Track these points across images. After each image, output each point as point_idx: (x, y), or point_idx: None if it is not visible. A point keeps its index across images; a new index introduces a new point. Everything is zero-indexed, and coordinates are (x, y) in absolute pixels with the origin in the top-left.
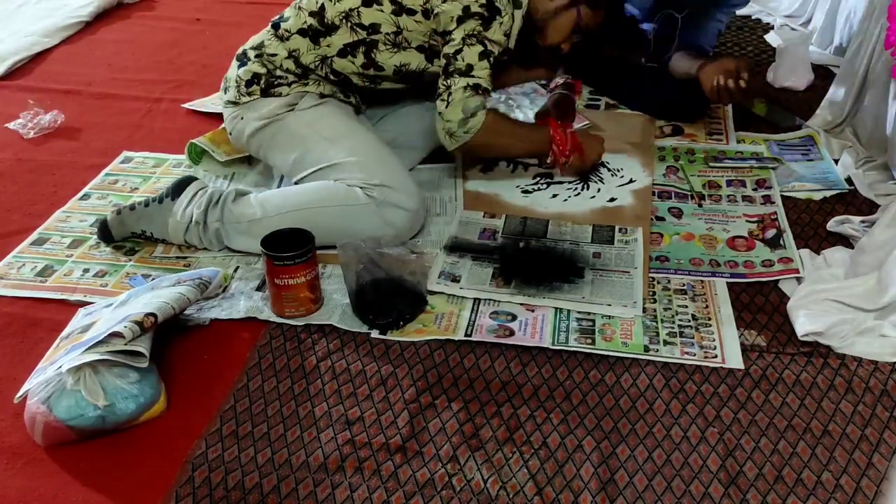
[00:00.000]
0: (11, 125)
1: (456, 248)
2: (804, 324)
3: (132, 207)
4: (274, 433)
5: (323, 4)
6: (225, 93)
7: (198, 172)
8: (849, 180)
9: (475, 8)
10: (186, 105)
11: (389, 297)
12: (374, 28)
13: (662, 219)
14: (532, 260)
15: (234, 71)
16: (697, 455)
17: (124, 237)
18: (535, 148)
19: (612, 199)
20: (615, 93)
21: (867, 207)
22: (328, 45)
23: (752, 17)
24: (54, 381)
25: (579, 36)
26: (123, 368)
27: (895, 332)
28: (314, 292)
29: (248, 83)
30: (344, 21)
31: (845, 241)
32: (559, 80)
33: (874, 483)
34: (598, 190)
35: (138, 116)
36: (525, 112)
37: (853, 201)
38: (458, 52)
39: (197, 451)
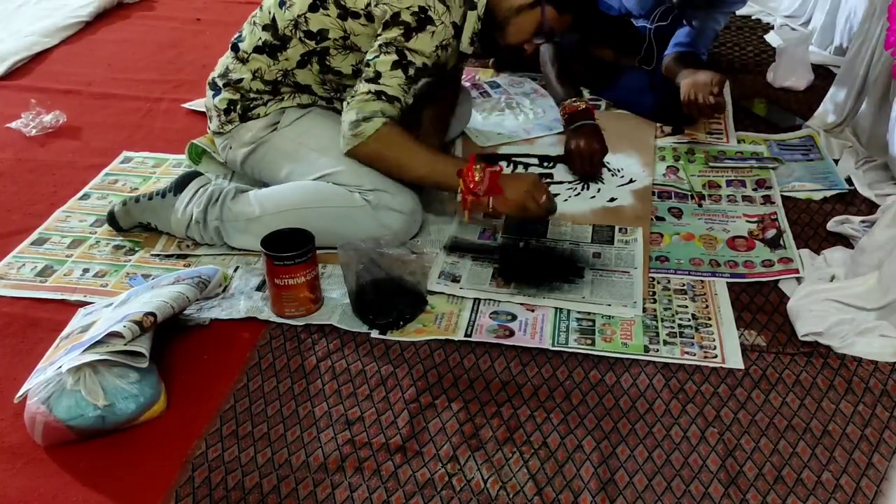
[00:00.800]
0: (13, 124)
1: (456, 248)
2: (804, 324)
3: (137, 200)
4: (274, 433)
5: (274, 16)
6: (210, 121)
7: None
8: (849, 180)
9: (405, 16)
10: (186, 105)
11: (389, 297)
12: (322, 35)
13: (662, 219)
14: (532, 260)
15: (210, 100)
16: (697, 455)
17: (132, 226)
18: (438, 178)
19: (612, 199)
20: (609, 94)
21: (867, 207)
22: (286, 59)
23: (752, 17)
24: (54, 381)
25: (543, 38)
26: (123, 368)
27: (895, 332)
28: (314, 292)
29: (226, 111)
30: (294, 31)
31: (845, 241)
32: (578, 105)
33: (874, 483)
34: (598, 190)
35: (138, 116)
36: (526, 113)
37: (853, 201)
38: (374, 58)
39: (197, 451)
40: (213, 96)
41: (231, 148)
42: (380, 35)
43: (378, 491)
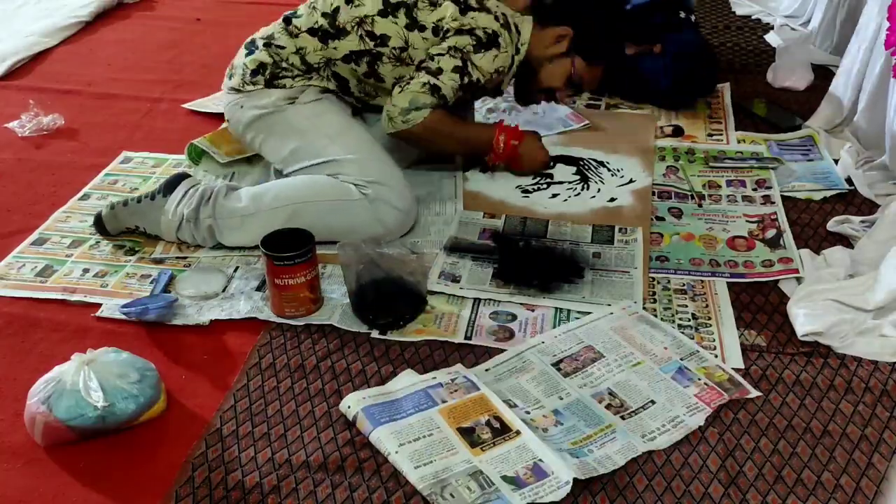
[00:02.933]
0: (12, 125)
1: (456, 248)
2: (804, 324)
3: (125, 203)
4: (274, 433)
5: (338, 7)
6: (229, 79)
7: (198, 173)
8: (849, 180)
9: (479, 32)
10: (186, 105)
11: (390, 297)
12: (382, 40)
13: (662, 219)
14: (532, 260)
15: (241, 58)
16: (697, 455)
17: (119, 231)
18: (474, 150)
19: (612, 199)
20: (623, 84)
21: (867, 207)
22: (335, 48)
23: (752, 17)
24: (54, 381)
25: (572, 88)
26: (123, 368)
27: (895, 332)
28: (314, 292)
29: (254, 72)
30: (355, 28)
31: (845, 241)
32: None
33: (874, 483)
34: (599, 190)
35: (138, 116)
36: (524, 113)
37: (853, 201)
38: (439, 55)
39: (197, 451)
40: (246, 55)
41: (242, 107)
42: (449, 38)
43: (378, 491)
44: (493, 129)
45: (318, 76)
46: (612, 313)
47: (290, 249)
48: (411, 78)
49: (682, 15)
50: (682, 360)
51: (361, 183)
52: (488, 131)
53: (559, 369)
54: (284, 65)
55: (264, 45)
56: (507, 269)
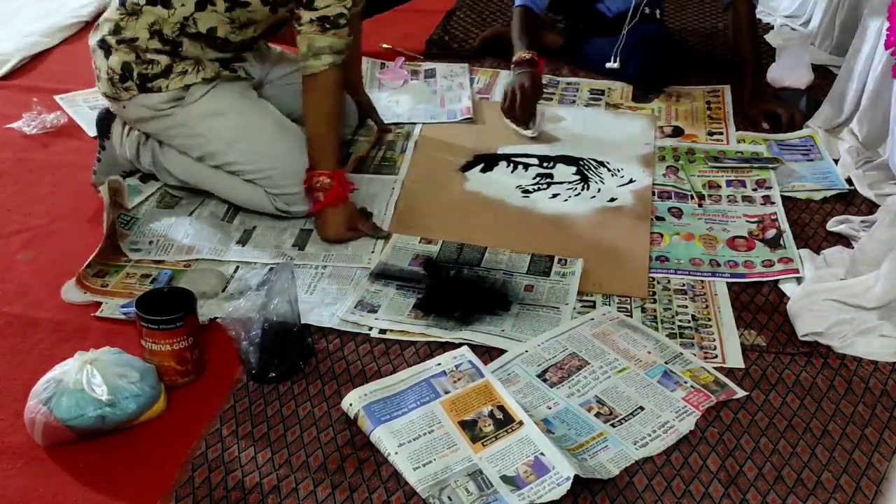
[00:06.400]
0: (13, 125)
1: (382, 275)
2: (804, 324)
3: (98, 160)
4: (274, 433)
5: None
6: (98, 81)
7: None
8: (849, 180)
9: None
10: None
11: (282, 343)
12: None
13: (662, 219)
14: (458, 290)
15: (101, 60)
16: (697, 455)
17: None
18: (315, 153)
19: (612, 199)
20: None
21: (867, 207)
22: (182, 5)
23: None
24: (55, 381)
25: None
26: (124, 368)
27: (895, 332)
28: (184, 364)
29: (122, 78)
30: None
31: (845, 241)
32: (525, 56)
33: (874, 483)
34: (599, 190)
35: None
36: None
37: (853, 201)
38: None
39: (197, 451)
40: (105, 56)
41: (124, 108)
42: None
43: (378, 491)
44: (336, 164)
45: (190, 59)
46: (592, 319)
47: (168, 312)
48: (299, 18)
49: (647, 11)
50: (666, 363)
51: (273, 192)
52: (335, 158)
53: (545, 380)
54: (149, 56)
55: (117, 41)
56: (430, 299)
